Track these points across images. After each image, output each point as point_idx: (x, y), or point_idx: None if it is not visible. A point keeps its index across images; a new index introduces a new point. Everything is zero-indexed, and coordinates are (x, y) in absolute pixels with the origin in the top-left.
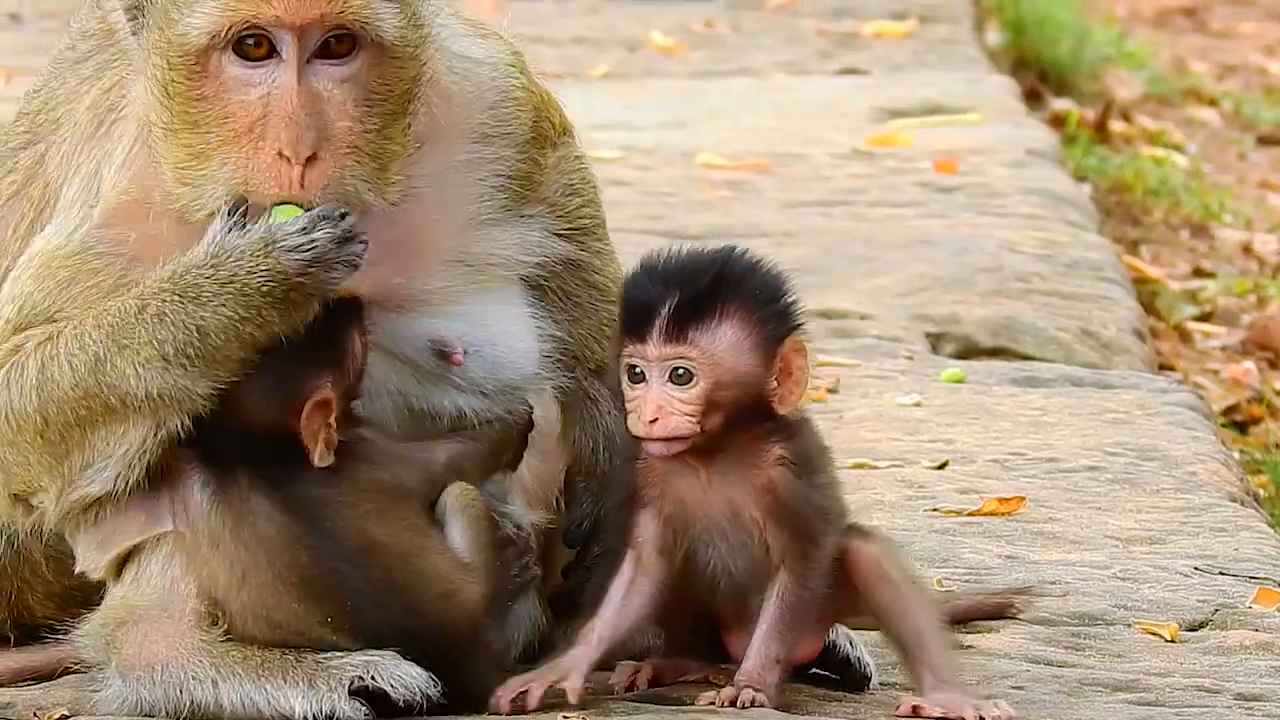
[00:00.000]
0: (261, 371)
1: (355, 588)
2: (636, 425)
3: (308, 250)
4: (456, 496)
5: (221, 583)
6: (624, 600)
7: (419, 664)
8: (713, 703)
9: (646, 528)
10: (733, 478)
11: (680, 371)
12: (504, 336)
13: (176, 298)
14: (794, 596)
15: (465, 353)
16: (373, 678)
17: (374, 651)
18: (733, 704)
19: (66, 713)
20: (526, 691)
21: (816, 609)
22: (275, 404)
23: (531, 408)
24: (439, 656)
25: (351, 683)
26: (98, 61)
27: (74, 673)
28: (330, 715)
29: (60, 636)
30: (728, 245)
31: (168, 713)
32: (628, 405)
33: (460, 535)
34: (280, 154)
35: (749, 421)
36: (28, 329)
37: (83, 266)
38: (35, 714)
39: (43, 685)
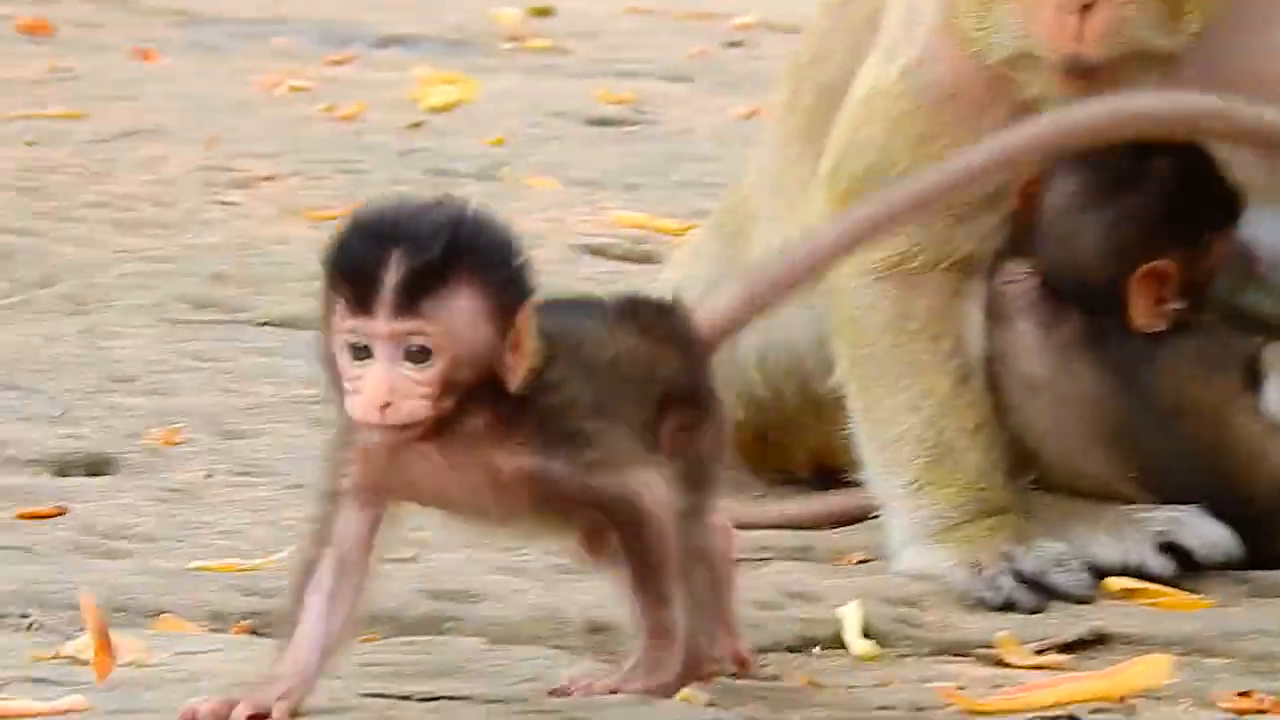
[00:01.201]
0: (1107, 228)
1: (1162, 447)
2: (361, 409)
3: None
4: (1275, 358)
5: (1035, 430)
6: (326, 617)
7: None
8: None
9: (352, 527)
10: (473, 464)
11: (416, 349)
12: None
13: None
14: (638, 558)
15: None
16: (1178, 534)
17: (1178, 507)
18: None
19: (865, 556)
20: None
21: (670, 533)
22: (1110, 262)
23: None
24: (1239, 518)
25: (1157, 537)
26: None
27: (875, 518)
28: (1139, 566)
29: (857, 480)
30: (450, 197)
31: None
32: (348, 387)
33: (1276, 399)
34: (1058, 6)
35: (478, 400)
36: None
37: (913, 105)
38: (834, 558)
39: (841, 530)
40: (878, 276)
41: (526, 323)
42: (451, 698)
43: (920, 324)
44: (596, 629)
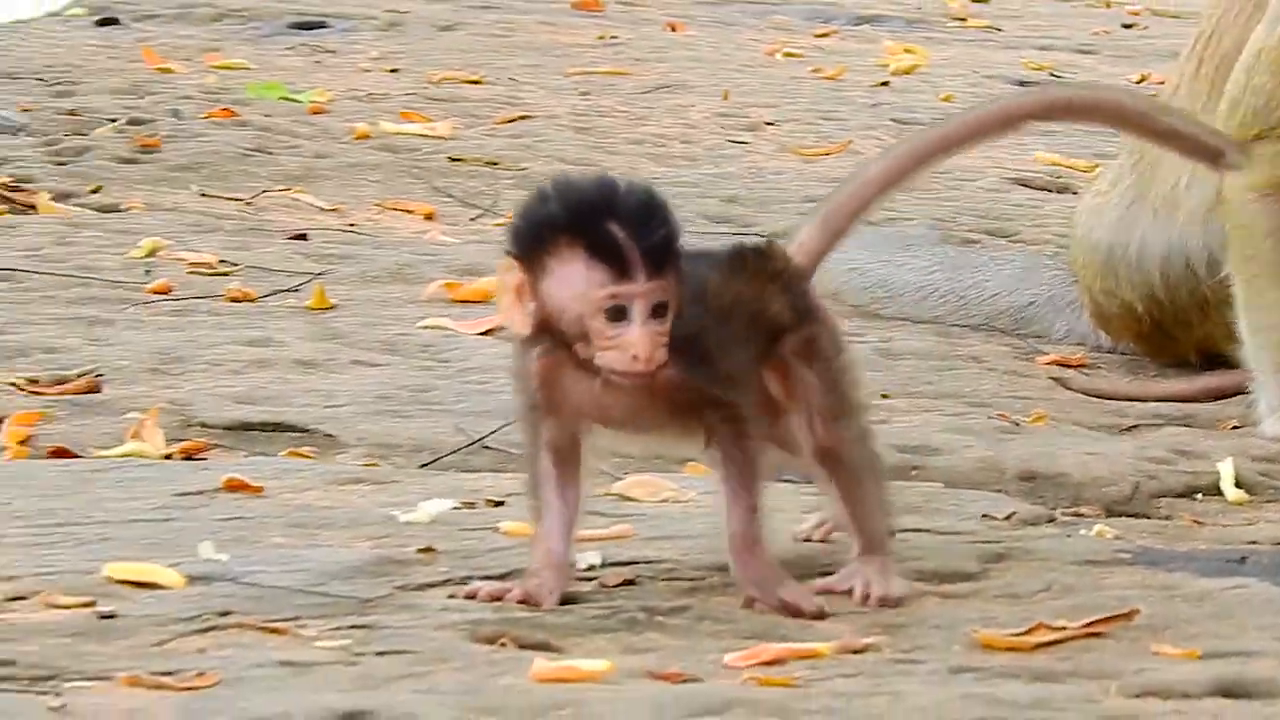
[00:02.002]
0: None
1: None
2: (624, 362)
3: None
4: None
5: None
6: (561, 502)
7: None
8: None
9: (552, 428)
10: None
11: (660, 305)
12: None
13: None
14: (736, 460)
15: None
16: None
17: None
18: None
19: (1237, 423)
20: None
21: (762, 452)
22: None
23: None
24: None
25: None
26: None
27: (1245, 394)
28: None
29: (1231, 364)
30: (619, 176)
31: None
32: (607, 344)
33: None
34: None
35: None
36: (1272, 134)
37: None
38: (1214, 425)
39: (1219, 403)
40: (1263, 194)
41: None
42: (916, 530)
43: None
44: (1028, 477)
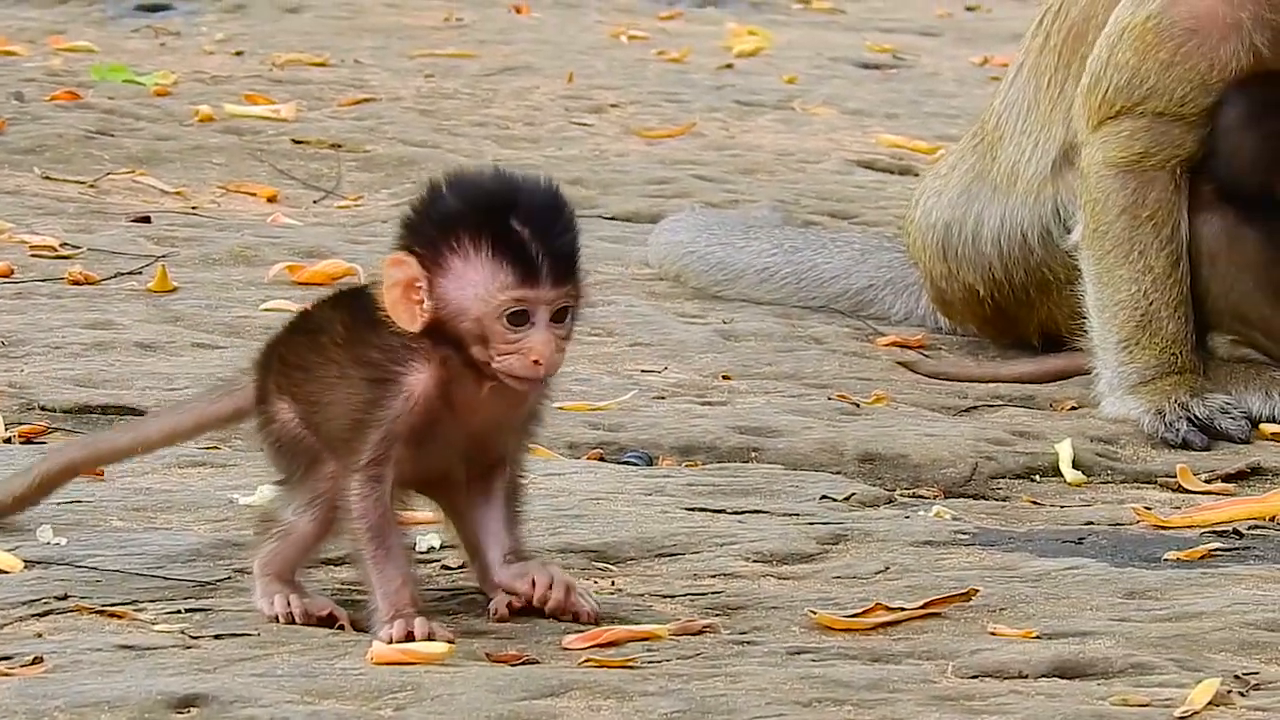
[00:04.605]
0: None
1: None
2: (525, 367)
3: None
4: None
5: (1212, 294)
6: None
7: None
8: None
9: (407, 456)
10: (517, 401)
11: (562, 310)
12: None
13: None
14: (509, 499)
15: None
16: None
17: None
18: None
19: (1075, 404)
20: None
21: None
22: (1261, 166)
23: None
24: None
25: None
26: None
27: (1084, 375)
28: None
29: (1074, 346)
30: (537, 175)
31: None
32: (505, 348)
33: None
34: None
35: None
36: (1133, 110)
37: (1158, 39)
38: (1052, 406)
39: (1058, 384)
40: (1121, 170)
41: None
42: (755, 511)
43: (1149, 212)
44: (867, 459)
